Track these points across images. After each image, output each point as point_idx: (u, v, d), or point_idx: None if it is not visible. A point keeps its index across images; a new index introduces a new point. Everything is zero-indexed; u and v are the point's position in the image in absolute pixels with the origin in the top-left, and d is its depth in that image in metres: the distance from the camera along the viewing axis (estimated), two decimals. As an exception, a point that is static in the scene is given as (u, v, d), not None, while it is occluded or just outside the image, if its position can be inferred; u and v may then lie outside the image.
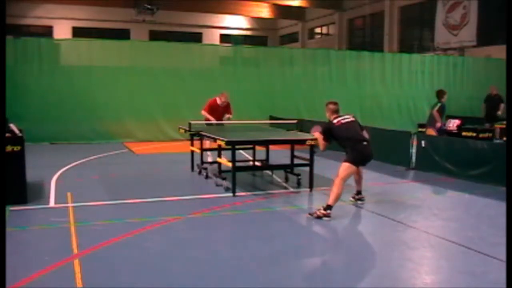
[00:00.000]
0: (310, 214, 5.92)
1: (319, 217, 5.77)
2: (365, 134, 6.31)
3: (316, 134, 6.48)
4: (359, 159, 6.14)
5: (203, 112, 9.54)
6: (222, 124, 9.48)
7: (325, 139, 6.37)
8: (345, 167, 5.98)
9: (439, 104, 10.17)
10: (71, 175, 8.51)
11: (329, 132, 6.32)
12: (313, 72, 16.36)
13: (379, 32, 26.91)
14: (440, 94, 10.35)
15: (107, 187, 7.60)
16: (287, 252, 4.71)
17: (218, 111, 9.52)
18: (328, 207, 5.78)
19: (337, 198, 5.85)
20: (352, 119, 6.36)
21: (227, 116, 9.68)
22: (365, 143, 6.14)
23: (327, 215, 5.75)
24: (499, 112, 14.01)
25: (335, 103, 6.51)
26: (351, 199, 6.66)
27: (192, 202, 6.80)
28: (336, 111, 6.43)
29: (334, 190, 5.85)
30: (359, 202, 6.60)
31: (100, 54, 14.22)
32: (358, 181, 6.62)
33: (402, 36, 25.95)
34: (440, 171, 8.73)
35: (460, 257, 4.63)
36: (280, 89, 15.62)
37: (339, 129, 6.22)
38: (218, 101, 9.51)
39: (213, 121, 9.39)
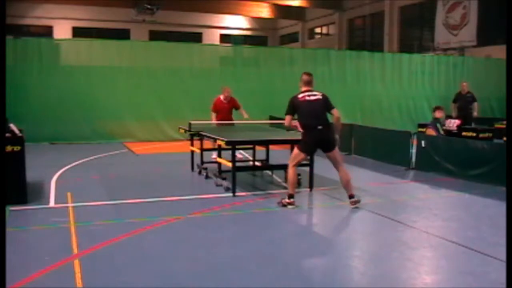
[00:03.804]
0: (278, 203, 6.24)
1: (284, 206, 6.14)
2: (336, 113, 6.19)
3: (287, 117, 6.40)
4: (308, 146, 6.23)
5: (212, 114, 9.86)
6: (232, 124, 9.56)
7: (289, 113, 6.34)
8: (294, 154, 6.29)
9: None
10: (71, 175, 8.51)
11: (293, 107, 6.31)
12: (313, 72, 15.78)
13: (379, 32, 26.91)
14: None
15: (107, 187, 7.60)
16: (287, 252, 4.71)
17: (224, 107, 9.54)
18: (290, 195, 6.16)
19: (293, 185, 6.18)
20: (319, 97, 6.25)
21: (245, 116, 9.86)
22: (320, 127, 6.09)
23: (291, 203, 6.13)
24: (475, 113, 13.21)
25: (309, 74, 6.44)
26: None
27: (192, 202, 6.79)
28: (307, 83, 6.36)
29: (289, 178, 6.21)
30: (351, 207, 6.23)
31: (100, 54, 14.21)
32: (344, 185, 6.32)
33: (402, 36, 25.95)
34: (440, 171, 8.73)
35: (460, 257, 4.63)
36: (280, 89, 15.50)
37: (301, 105, 6.20)
38: (222, 97, 9.54)
39: (215, 121, 9.51)
